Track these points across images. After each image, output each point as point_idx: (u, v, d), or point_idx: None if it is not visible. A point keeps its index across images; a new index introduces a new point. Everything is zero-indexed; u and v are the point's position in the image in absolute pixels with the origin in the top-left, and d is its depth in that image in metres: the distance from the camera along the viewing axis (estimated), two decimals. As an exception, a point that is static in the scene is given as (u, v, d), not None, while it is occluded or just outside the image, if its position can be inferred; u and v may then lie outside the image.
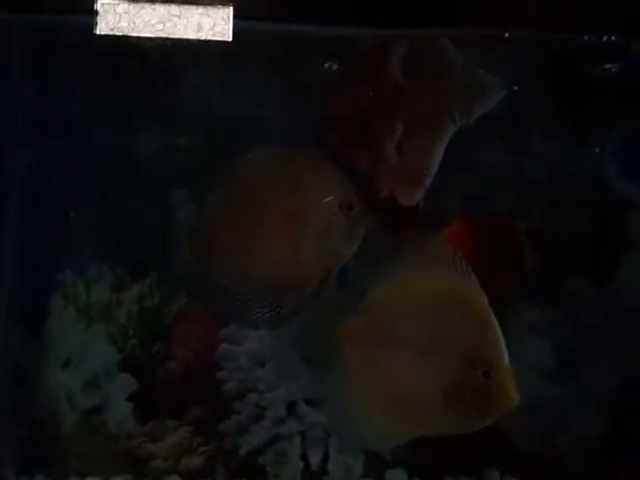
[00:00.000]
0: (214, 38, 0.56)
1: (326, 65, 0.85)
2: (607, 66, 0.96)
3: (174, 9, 0.53)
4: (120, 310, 1.13)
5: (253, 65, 0.98)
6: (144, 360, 1.12)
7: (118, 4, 0.52)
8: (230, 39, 0.57)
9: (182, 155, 1.10)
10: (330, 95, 0.79)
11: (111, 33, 0.54)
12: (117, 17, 0.52)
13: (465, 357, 0.67)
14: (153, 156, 1.11)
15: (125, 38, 0.59)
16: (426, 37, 0.77)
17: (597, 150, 1.05)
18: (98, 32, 0.55)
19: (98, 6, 0.53)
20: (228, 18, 0.56)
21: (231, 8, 0.54)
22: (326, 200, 0.71)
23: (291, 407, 1.07)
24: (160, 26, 0.56)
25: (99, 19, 0.55)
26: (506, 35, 0.79)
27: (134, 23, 0.55)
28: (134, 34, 0.55)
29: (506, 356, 0.66)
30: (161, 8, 0.53)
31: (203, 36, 0.55)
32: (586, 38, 0.80)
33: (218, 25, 0.56)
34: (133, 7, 0.53)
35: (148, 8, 0.53)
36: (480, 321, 0.68)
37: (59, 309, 1.10)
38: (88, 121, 1.08)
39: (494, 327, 0.68)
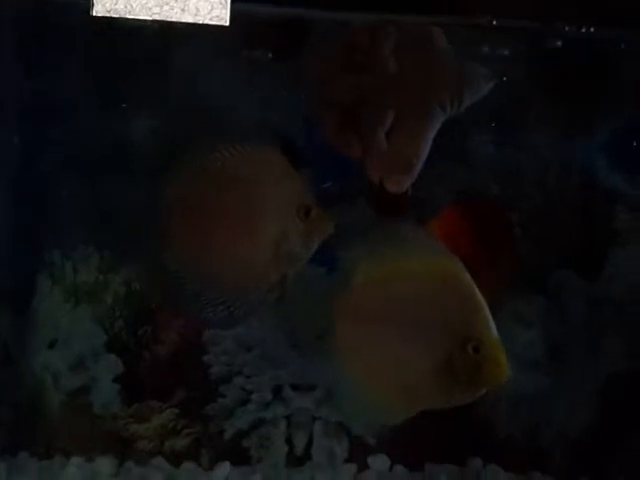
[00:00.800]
0: (211, 22, 0.56)
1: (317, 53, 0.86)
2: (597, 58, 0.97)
3: (171, -8, 0.53)
4: (107, 292, 1.13)
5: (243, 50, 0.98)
6: (130, 342, 1.12)
7: None
8: (227, 23, 0.57)
9: (171, 139, 1.10)
10: (322, 81, 0.79)
11: (107, 15, 0.54)
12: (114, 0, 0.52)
13: (454, 334, 0.68)
14: (143, 139, 1.11)
15: (114, 21, 0.59)
16: (417, 25, 0.78)
17: (586, 143, 1.06)
18: (94, 14, 0.54)
19: None
20: (226, 2, 0.56)
21: (229, -7, 0.54)
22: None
23: (277, 391, 1.08)
24: (157, 9, 0.56)
25: (95, 1, 0.54)
26: (494, 22, 0.80)
27: (131, 6, 0.55)
28: (130, 17, 0.55)
29: (494, 330, 0.67)
30: (158, -9, 0.53)
31: (200, 20, 0.55)
32: (582, 30, 0.80)
33: (215, 9, 0.56)
34: None
35: None
36: (466, 298, 0.69)
37: (46, 290, 1.10)
38: (78, 104, 1.08)
39: (480, 303, 0.68)
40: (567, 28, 0.83)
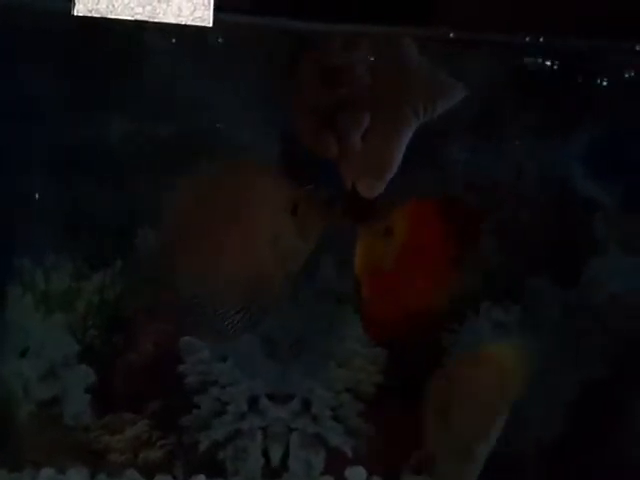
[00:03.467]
0: (194, 23, 0.56)
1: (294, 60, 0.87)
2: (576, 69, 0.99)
3: (154, -8, 0.54)
4: (80, 300, 1.13)
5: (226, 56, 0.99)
6: (103, 352, 1.12)
7: None
8: (210, 24, 0.57)
9: (147, 143, 1.11)
10: (299, 87, 0.80)
11: (89, 15, 0.54)
12: None
13: None
14: (117, 143, 1.11)
15: (92, 20, 0.59)
16: (391, 36, 0.79)
17: (564, 151, 1.08)
18: (76, 13, 0.55)
19: None
20: (208, 3, 0.57)
21: (212, -7, 0.55)
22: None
23: (253, 402, 1.08)
24: (139, 9, 0.56)
25: (77, 0, 0.55)
26: (463, 36, 0.82)
27: (113, 6, 0.55)
28: (112, 16, 0.55)
29: None
30: (141, -9, 0.53)
31: (183, 21, 0.56)
32: (560, 41, 0.82)
33: (198, 10, 0.57)
34: None
35: None
36: None
37: (17, 298, 1.09)
38: (52, 106, 1.08)
39: None
40: (541, 40, 0.85)
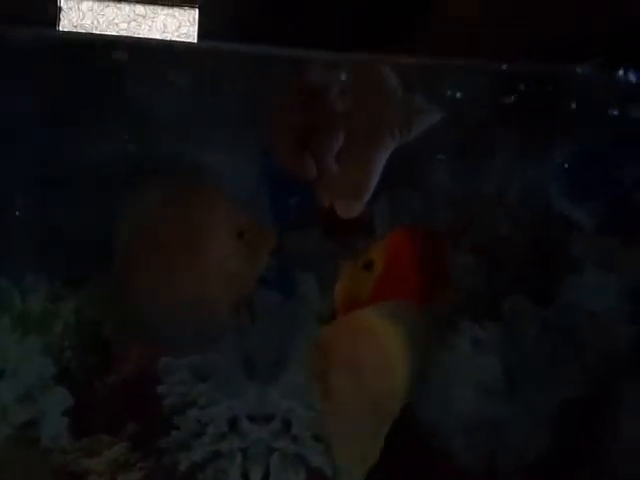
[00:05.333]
0: (179, 39, 0.57)
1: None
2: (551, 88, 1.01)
3: (139, 9, 0.55)
4: (57, 321, 1.13)
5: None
6: (80, 374, 1.12)
7: (82, 1, 0.53)
8: (195, 40, 0.59)
9: (125, 162, 1.11)
10: (275, 110, 0.82)
11: (74, 30, 0.55)
12: (81, 14, 0.53)
13: None
14: (94, 163, 1.12)
15: (73, 37, 0.60)
16: (366, 62, 0.82)
17: (542, 170, 1.11)
18: (61, 29, 0.56)
19: (62, 3, 0.54)
20: (194, 20, 0.58)
21: (197, 10, 0.56)
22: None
23: (232, 423, 1.09)
24: (124, 25, 0.57)
25: (62, 16, 0.56)
26: (439, 62, 0.84)
27: (98, 22, 0.56)
28: (97, 32, 0.56)
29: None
30: (126, 7, 0.54)
31: (168, 37, 0.57)
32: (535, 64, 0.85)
33: (183, 26, 0.58)
34: (97, 5, 0.54)
35: (113, 7, 0.54)
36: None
37: (-7, 319, 1.09)
38: (27, 126, 1.08)
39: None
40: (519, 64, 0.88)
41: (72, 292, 1.14)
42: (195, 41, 0.59)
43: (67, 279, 1.14)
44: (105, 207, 1.11)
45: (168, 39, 0.60)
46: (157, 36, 0.59)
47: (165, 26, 0.59)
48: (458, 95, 1.01)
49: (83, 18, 0.58)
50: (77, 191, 1.11)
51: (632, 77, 0.93)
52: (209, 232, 0.76)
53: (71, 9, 0.57)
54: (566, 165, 1.10)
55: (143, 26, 0.59)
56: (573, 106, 1.03)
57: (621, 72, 0.92)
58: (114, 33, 0.59)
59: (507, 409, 1.06)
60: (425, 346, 0.80)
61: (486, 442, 1.06)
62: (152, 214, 0.76)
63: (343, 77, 0.79)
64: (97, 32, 0.58)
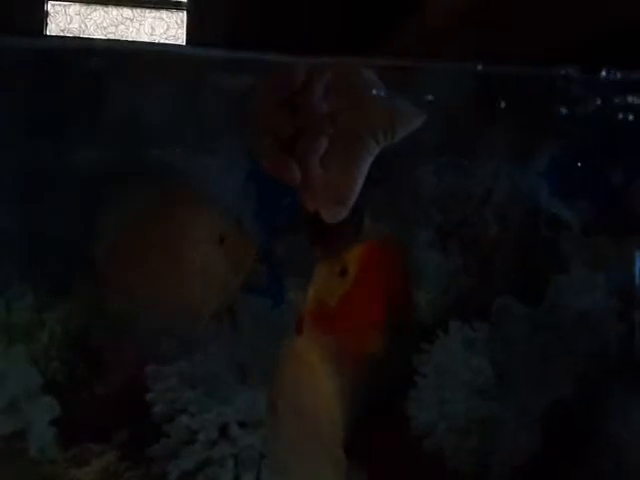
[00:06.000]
0: (167, 41, 0.57)
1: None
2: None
3: (127, 12, 0.55)
4: (43, 331, 1.12)
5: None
6: (68, 383, 1.11)
7: (69, 5, 0.53)
8: (184, 43, 0.58)
9: (108, 168, 1.11)
10: (258, 113, 0.82)
11: (61, 34, 0.55)
12: (68, 19, 0.53)
13: None
14: (78, 170, 1.12)
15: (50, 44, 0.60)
16: (348, 66, 0.82)
17: (529, 169, 1.11)
18: (48, 33, 0.55)
19: (48, 7, 0.53)
20: (182, 22, 0.58)
21: (185, 12, 0.56)
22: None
23: (223, 429, 1.08)
24: (112, 29, 0.57)
25: (50, 20, 0.55)
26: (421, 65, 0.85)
27: (85, 25, 0.56)
28: (85, 36, 0.55)
29: None
30: (113, 10, 0.54)
31: (156, 39, 0.57)
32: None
33: (172, 29, 0.58)
34: (85, 9, 0.54)
35: (100, 10, 0.54)
36: None
37: (-22, 329, 1.09)
38: (10, 133, 1.08)
39: None
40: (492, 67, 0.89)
41: (58, 301, 1.13)
42: (184, 43, 0.59)
43: (53, 288, 1.14)
44: (90, 215, 1.11)
45: (154, 42, 0.60)
46: (145, 39, 0.59)
47: (153, 29, 0.59)
48: (442, 97, 1.01)
49: (70, 22, 0.58)
50: (62, 199, 1.11)
51: (615, 78, 0.94)
52: (190, 237, 0.76)
53: (58, 13, 0.57)
54: (554, 165, 1.11)
55: (131, 29, 0.59)
56: (559, 107, 1.04)
57: (604, 73, 0.93)
58: (102, 37, 0.59)
59: (498, 409, 1.07)
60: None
61: (477, 442, 1.07)
62: (134, 218, 0.76)
63: (327, 81, 0.80)
64: (85, 36, 0.58)
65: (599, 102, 1.00)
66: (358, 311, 0.83)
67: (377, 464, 1.00)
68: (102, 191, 1.09)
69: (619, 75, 0.93)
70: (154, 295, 0.75)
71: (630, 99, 0.98)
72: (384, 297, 0.82)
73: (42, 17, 0.57)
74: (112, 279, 0.74)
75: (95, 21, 0.55)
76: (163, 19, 0.57)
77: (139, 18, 0.57)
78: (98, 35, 0.58)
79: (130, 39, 0.61)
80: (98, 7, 0.56)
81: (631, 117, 1.00)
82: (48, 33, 0.57)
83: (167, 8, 0.58)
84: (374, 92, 0.81)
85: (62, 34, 0.56)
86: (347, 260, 0.84)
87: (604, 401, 1.07)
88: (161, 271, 0.75)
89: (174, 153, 1.07)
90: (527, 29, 0.95)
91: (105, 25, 0.56)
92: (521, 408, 1.06)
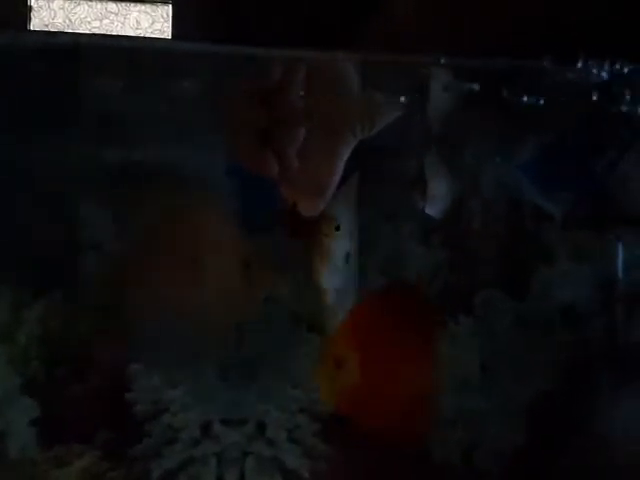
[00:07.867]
0: (153, 36, 0.57)
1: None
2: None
3: (111, 6, 0.55)
4: (21, 331, 1.12)
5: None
6: (47, 383, 1.11)
7: (53, 0, 0.53)
8: (170, 37, 0.59)
9: (89, 168, 1.11)
10: (236, 107, 0.83)
11: (45, 29, 0.55)
12: (52, 13, 0.53)
13: None
14: (57, 169, 1.11)
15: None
16: (326, 59, 0.83)
17: (512, 161, 1.12)
18: (32, 28, 0.55)
19: (32, 2, 0.53)
20: (167, 16, 0.58)
21: (170, 6, 0.56)
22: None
23: (206, 428, 1.08)
24: (97, 23, 0.57)
25: (33, 15, 0.55)
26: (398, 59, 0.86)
27: (70, 20, 0.56)
28: (69, 31, 0.56)
29: None
30: (98, 4, 0.54)
31: (142, 34, 0.57)
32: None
33: (157, 23, 0.58)
34: (69, 3, 0.54)
35: (84, 4, 0.54)
36: None
37: (-46, 330, 1.08)
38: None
39: None
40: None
41: (37, 302, 1.13)
42: (170, 37, 0.59)
43: (31, 287, 1.13)
44: (72, 215, 1.10)
45: (140, 36, 0.60)
46: (130, 33, 0.59)
47: (138, 22, 0.59)
48: (424, 90, 1.02)
49: (54, 17, 0.58)
50: (43, 198, 1.11)
51: (593, 69, 0.95)
52: (212, 255, 0.75)
53: (42, 8, 0.57)
54: (536, 157, 1.12)
55: (116, 23, 0.59)
56: (540, 98, 1.05)
57: (580, 64, 0.94)
58: (86, 31, 0.59)
59: (483, 401, 1.08)
60: None
61: (462, 434, 1.07)
62: (153, 229, 0.75)
63: (304, 74, 0.80)
64: (69, 30, 0.58)
65: (579, 93, 1.01)
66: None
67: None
68: (85, 190, 1.09)
69: (596, 66, 0.94)
70: (172, 306, 0.74)
71: (610, 89, 1.00)
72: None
73: (25, 12, 0.57)
74: (129, 288, 0.73)
75: (79, 16, 0.56)
76: (148, 13, 0.58)
77: (124, 12, 0.57)
78: (83, 30, 0.58)
79: (115, 33, 0.61)
80: (82, 1, 0.56)
81: (611, 108, 1.01)
82: (32, 28, 0.57)
83: (152, 2, 0.59)
84: (352, 85, 0.81)
85: (46, 29, 0.56)
86: (338, 347, 0.84)
87: (588, 392, 1.08)
88: (181, 283, 0.75)
89: (157, 150, 1.07)
90: (503, 19, 0.96)
91: (89, 20, 0.57)
92: (506, 400, 1.07)
